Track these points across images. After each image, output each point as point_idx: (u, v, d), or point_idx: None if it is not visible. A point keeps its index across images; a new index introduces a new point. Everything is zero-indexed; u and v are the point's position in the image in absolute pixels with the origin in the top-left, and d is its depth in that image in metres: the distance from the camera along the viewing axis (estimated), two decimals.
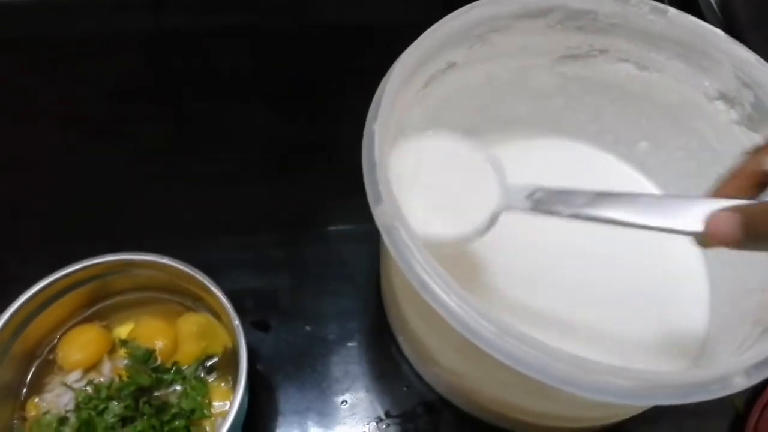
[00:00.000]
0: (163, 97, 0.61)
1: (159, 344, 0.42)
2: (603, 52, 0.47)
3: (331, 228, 0.53)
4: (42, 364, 0.42)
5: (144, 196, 0.54)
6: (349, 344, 0.48)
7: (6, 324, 0.39)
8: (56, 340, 0.43)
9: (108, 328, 0.44)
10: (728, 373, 0.30)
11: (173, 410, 0.39)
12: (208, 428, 0.40)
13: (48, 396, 0.41)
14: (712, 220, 0.31)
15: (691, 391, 0.29)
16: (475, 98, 0.48)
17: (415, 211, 0.35)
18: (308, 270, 0.50)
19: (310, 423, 0.44)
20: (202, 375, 0.41)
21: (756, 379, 0.30)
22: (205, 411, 0.39)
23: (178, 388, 0.41)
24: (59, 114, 0.59)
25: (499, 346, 0.29)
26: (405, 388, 0.46)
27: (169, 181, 0.55)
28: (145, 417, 0.38)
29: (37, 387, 0.42)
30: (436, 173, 0.39)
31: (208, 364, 0.42)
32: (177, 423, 0.38)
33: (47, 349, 0.43)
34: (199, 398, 0.39)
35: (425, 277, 0.31)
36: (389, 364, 0.47)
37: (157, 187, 0.54)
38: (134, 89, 0.61)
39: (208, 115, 0.59)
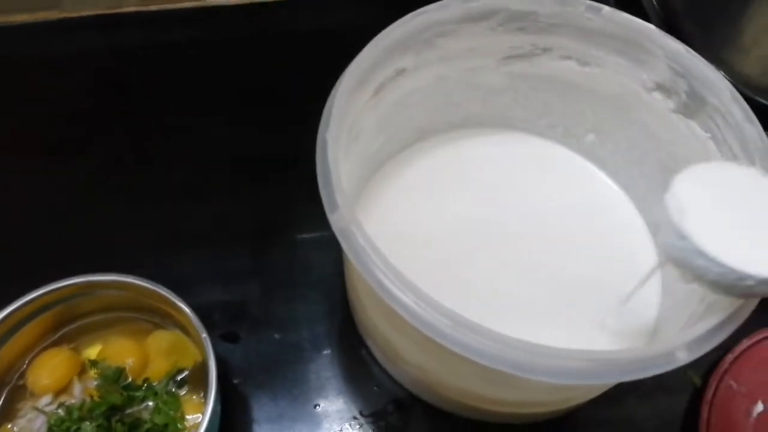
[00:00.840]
0: (120, 114, 0.61)
1: (129, 362, 0.43)
2: (546, 50, 0.48)
3: (297, 236, 0.54)
4: (12, 390, 0.42)
5: (106, 215, 0.54)
6: (319, 349, 0.48)
7: None
8: (25, 366, 0.43)
9: (77, 351, 0.44)
10: (672, 348, 0.31)
11: (146, 426, 0.39)
12: None
13: (20, 421, 0.41)
14: None
15: (638, 367, 0.31)
16: (427, 100, 0.50)
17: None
18: (275, 279, 0.51)
19: (284, 430, 0.45)
20: (173, 390, 0.42)
21: (697, 353, 0.31)
22: (179, 425, 0.40)
23: (150, 404, 0.41)
24: (12, 136, 0.58)
25: (454, 338, 0.30)
26: (376, 388, 0.47)
27: (130, 199, 0.55)
28: None
29: (9, 413, 0.42)
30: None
31: (179, 378, 0.43)
32: None
33: (17, 375, 0.43)
34: (171, 412, 0.40)
35: (381, 277, 0.32)
36: (359, 366, 0.48)
37: (118, 205, 0.55)
38: (91, 108, 0.61)
39: (169, 129, 0.60)
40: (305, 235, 0.54)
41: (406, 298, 0.31)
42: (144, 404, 0.41)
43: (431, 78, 0.49)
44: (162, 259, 0.51)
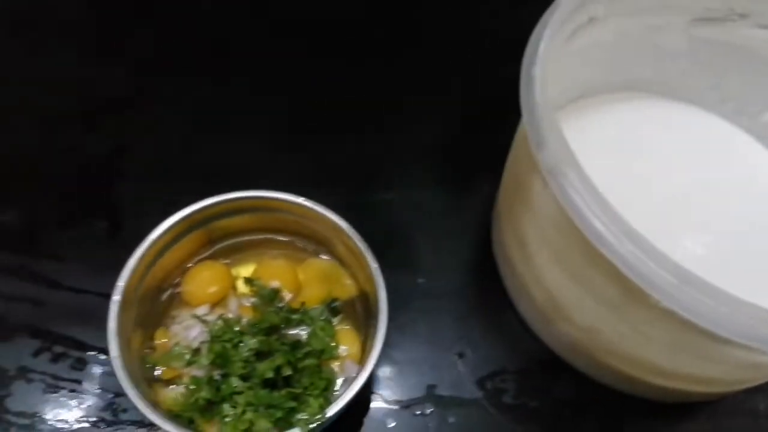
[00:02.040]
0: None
1: (282, 285, 0.43)
2: (743, 16, 0.45)
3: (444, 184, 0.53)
4: (168, 298, 0.43)
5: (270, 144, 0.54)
6: (463, 301, 0.47)
7: (141, 257, 0.40)
8: (180, 276, 0.43)
9: (230, 267, 0.44)
10: None
11: (305, 349, 0.39)
12: (336, 369, 0.40)
13: (176, 328, 0.42)
14: None
15: None
16: (602, 57, 0.47)
17: None
18: (422, 223, 0.50)
19: (424, 374, 0.45)
20: (329, 317, 0.41)
21: None
22: (334, 352, 0.40)
23: (304, 329, 0.41)
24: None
25: (680, 298, 0.28)
26: (518, 347, 0.46)
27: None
28: (279, 352, 0.38)
29: (163, 320, 0.42)
30: None
31: (332, 306, 0.42)
32: (309, 361, 0.39)
33: (173, 284, 0.43)
34: (327, 339, 0.39)
35: (596, 223, 0.30)
36: (501, 324, 0.47)
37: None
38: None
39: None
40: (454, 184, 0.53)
41: (626, 250, 0.30)
42: (298, 328, 0.41)
43: (613, 33, 0.46)
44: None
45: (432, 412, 0.43)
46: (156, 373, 0.40)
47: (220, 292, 0.42)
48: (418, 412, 0.43)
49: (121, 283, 0.38)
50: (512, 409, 0.44)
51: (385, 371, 0.44)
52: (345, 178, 0.53)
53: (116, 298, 0.38)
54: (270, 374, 0.37)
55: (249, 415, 0.36)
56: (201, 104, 0.57)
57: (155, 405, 0.36)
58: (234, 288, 0.43)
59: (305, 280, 0.43)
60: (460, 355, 0.46)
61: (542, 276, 0.41)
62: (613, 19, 0.44)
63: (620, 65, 0.49)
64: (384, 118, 0.57)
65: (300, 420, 0.35)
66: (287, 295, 0.43)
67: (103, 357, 0.44)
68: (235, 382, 0.37)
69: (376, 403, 0.43)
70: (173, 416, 0.37)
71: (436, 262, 0.49)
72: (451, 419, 0.43)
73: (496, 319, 0.47)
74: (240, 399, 0.37)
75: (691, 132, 0.51)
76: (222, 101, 0.57)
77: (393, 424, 0.43)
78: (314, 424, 0.35)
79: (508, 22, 0.60)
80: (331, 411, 0.35)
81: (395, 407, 0.43)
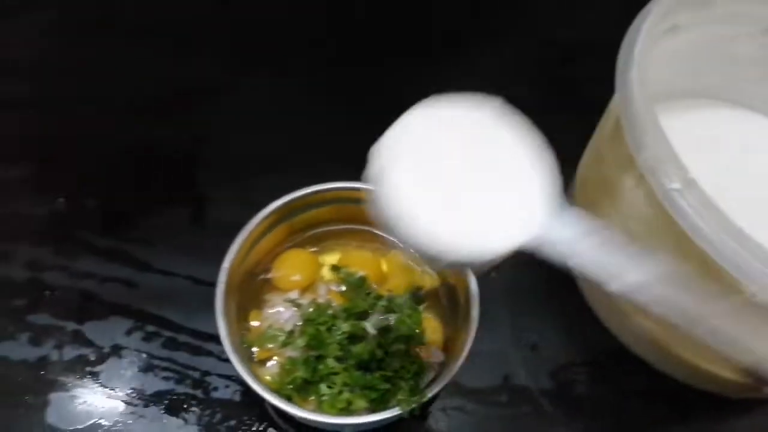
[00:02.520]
0: None
1: (367, 274, 0.44)
2: None
3: None
4: (260, 283, 0.45)
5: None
6: (533, 294, 0.49)
7: (241, 244, 0.41)
8: (271, 263, 0.45)
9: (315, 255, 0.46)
10: None
11: (395, 334, 0.41)
12: (424, 357, 0.42)
13: (268, 311, 0.44)
14: None
15: None
16: (676, 64, 0.49)
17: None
18: None
19: (500, 364, 0.46)
20: (415, 305, 0.43)
21: None
22: (422, 339, 0.41)
23: (392, 315, 0.42)
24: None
25: None
26: (588, 339, 0.48)
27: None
28: (370, 336, 0.40)
29: (256, 303, 0.44)
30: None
31: (417, 296, 0.44)
32: (398, 347, 0.40)
33: (264, 270, 0.45)
34: (414, 326, 0.41)
35: (701, 223, 0.32)
36: (573, 315, 0.48)
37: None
38: None
39: None
40: None
41: (727, 246, 0.31)
42: (385, 315, 0.43)
43: (690, 41, 0.47)
44: None
45: (507, 401, 0.45)
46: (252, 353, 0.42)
47: (308, 278, 0.44)
48: (495, 400, 0.45)
49: (226, 264, 0.40)
50: (584, 400, 0.46)
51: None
52: None
53: (222, 279, 0.40)
54: (366, 356, 0.39)
55: (346, 395, 0.38)
56: (278, 94, 0.59)
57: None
58: (320, 275, 0.45)
59: (389, 270, 0.45)
60: (533, 347, 0.47)
61: None
62: (693, 28, 0.46)
63: (693, 72, 0.50)
64: None
65: (401, 400, 0.37)
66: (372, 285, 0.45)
67: (193, 337, 0.46)
68: (332, 363, 0.39)
69: (454, 390, 0.45)
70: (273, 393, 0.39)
71: (507, 259, 0.50)
72: (527, 408, 0.45)
73: (568, 313, 0.49)
74: (337, 379, 0.39)
75: (760, 138, 0.52)
76: (298, 92, 0.59)
77: (470, 410, 0.45)
78: (415, 405, 0.36)
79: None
80: (431, 392, 0.37)
81: (473, 394, 0.45)
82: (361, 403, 0.38)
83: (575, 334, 0.48)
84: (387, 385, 0.39)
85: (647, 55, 0.41)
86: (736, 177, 0.49)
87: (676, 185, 0.33)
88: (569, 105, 0.59)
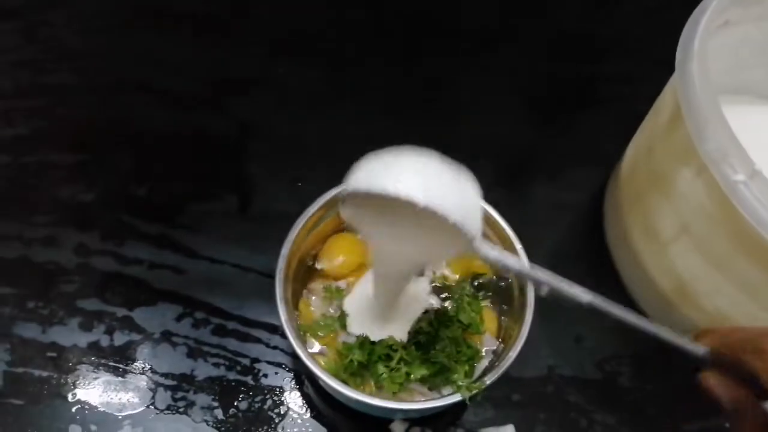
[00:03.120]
0: None
1: None
2: None
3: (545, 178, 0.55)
4: (307, 271, 0.44)
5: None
6: (580, 284, 0.49)
7: (297, 232, 0.41)
8: (319, 250, 0.45)
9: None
10: None
11: (452, 319, 0.41)
12: (478, 344, 0.42)
13: (315, 299, 0.44)
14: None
15: None
16: (725, 59, 0.49)
17: None
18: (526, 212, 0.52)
19: (546, 355, 0.47)
20: (474, 293, 0.43)
21: None
22: (480, 327, 0.42)
23: (449, 303, 0.43)
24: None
25: None
26: (631, 331, 0.48)
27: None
28: (426, 321, 0.40)
29: (304, 292, 0.44)
30: None
31: (476, 283, 0.44)
32: (454, 333, 0.41)
33: (312, 257, 0.45)
34: (473, 314, 0.41)
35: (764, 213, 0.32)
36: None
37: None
38: None
39: None
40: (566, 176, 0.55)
41: None
42: (444, 302, 0.43)
43: (738, 37, 0.48)
44: None
45: (553, 390, 0.46)
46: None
47: (354, 262, 0.44)
48: (541, 389, 0.46)
49: (285, 251, 0.40)
50: (629, 392, 0.46)
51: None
52: None
53: (281, 266, 0.40)
54: (425, 328, 0.39)
55: (404, 368, 0.39)
56: (319, 86, 0.59)
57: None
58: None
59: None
60: (578, 340, 0.48)
61: (675, 264, 0.43)
62: (743, 24, 0.46)
63: (735, 68, 0.51)
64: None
65: (461, 387, 0.37)
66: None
67: (242, 324, 0.47)
68: (389, 342, 0.39)
69: (501, 379, 0.45)
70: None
71: (549, 252, 0.51)
72: (572, 398, 0.46)
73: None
74: (395, 356, 0.39)
75: None
76: (339, 84, 0.60)
77: (517, 399, 0.45)
78: (475, 391, 0.37)
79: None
80: (490, 379, 0.37)
81: (519, 383, 0.46)
82: (420, 371, 0.38)
83: (619, 327, 0.48)
84: (444, 359, 0.39)
85: (706, 47, 0.42)
86: None
87: (741, 177, 0.33)
88: (593, 102, 0.60)
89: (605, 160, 0.55)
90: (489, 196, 0.53)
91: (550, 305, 0.48)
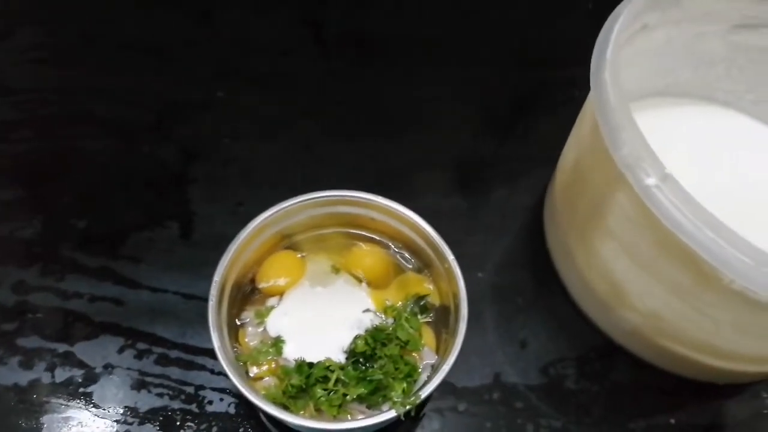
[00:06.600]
0: None
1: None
2: None
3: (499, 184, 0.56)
4: (243, 296, 0.44)
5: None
6: (519, 292, 0.50)
7: (231, 256, 0.41)
8: (256, 272, 0.45)
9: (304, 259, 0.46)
10: None
11: (389, 337, 0.41)
12: (417, 359, 0.42)
13: (251, 330, 0.43)
14: None
15: None
16: (647, 63, 0.50)
17: None
18: (477, 221, 0.53)
19: (491, 362, 0.47)
20: (415, 312, 0.43)
21: None
22: (418, 344, 0.42)
23: (390, 320, 0.43)
24: None
25: (755, 278, 0.31)
26: (575, 334, 0.49)
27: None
28: (361, 337, 0.41)
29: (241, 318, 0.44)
30: None
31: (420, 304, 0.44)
32: (392, 351, 0.41)
33: (249, 281, 0.45)
34: (411, 330, 0.42)
35: (676, 212, 0.33)
36: (559, 312, 0.49)
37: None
38: None
39: None
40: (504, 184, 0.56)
41: (705, 236, 0.32)
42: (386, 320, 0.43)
43: (659, 40, 0.49)
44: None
45: (499, 397, 0.46)
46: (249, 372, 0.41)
47: (294, 281, 0.44)
48: (487, 398, 0.46)
49: (217, 278, 0.40)
50: (575, 394, 0.47)
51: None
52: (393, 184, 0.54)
53: (213, 292, 0.40)
54: (361, 348, 0.40)
55: (341, 390, 0.39)
56: (264, 109, 0.59)
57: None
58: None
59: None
60: (523, 345, 0.48)
61: (607, 267, 0.43)
62: (662, 28, 0.47)
63: (663, 71, 0.52)
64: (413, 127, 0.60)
65: (396, 402, 0.37)
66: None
67: (185, 353, 0.46)
68: (326, 364, 0.39)
69: (447, 390, 0.46)
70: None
71: (492, 259, 0.52)
72: (518, 404, 0.46)
73: (553, 309, 0.50)
74: (331, 376, 0.39)
75: (729, 132, 0.54)
76: (286, 106, 0.60)
77: (462, 410, 0.45)
78: (409, 406, 0.37)
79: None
80: (424, 393, 0.37)
81: (465, 393, 0.46)
82: (357, 390, 0.38)
83: (563, 331, 0.49)
84: (380, 376, 0.39)
85: (620, 55, 0.43)
86: (710, 171, 0.50)
87: (653, 180, 0.34)
88: (545, 108, 0.61)
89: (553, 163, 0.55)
90: (444, 205, 0.55)
91: (493, 312, 0.50)
